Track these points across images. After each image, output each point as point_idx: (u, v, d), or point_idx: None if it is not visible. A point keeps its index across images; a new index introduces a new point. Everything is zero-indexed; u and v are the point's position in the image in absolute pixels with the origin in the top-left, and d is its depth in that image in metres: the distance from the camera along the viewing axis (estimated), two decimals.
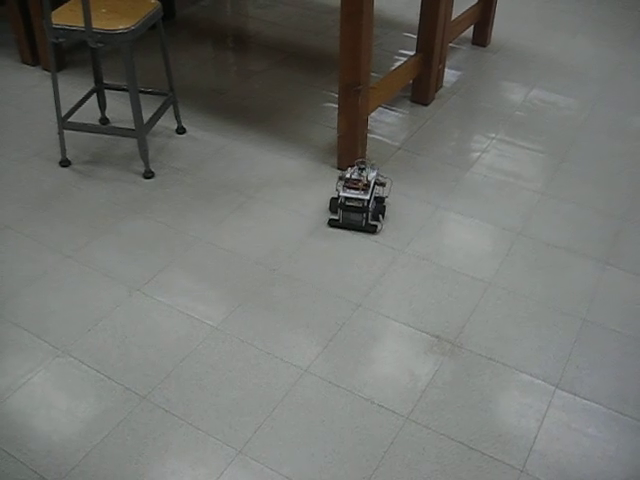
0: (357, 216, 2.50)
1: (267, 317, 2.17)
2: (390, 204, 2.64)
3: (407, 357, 2.05)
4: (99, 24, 2.51)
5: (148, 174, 2.79)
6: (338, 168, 2.84)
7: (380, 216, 2.54)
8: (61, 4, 2.66)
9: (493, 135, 3.10)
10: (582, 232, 2.53)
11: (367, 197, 2.47)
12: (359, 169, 2.55)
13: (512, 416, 1.88)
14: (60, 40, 2.57)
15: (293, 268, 2.36)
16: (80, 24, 2.50)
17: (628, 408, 1.90)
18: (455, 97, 3.39)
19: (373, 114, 3.17)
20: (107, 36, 2.51)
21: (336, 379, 1.98)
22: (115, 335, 2.11)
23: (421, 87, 3.28)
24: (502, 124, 3.18)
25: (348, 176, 2.53)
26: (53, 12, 2.57)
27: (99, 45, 2.55)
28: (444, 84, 3.48)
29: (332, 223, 2.55)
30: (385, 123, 3.17)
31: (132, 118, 2.69)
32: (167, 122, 3.12)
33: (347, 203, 2.48)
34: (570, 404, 1.92)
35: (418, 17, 3.09)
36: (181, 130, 3.09)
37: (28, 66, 3.60)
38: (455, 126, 3.16)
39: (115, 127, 3.03)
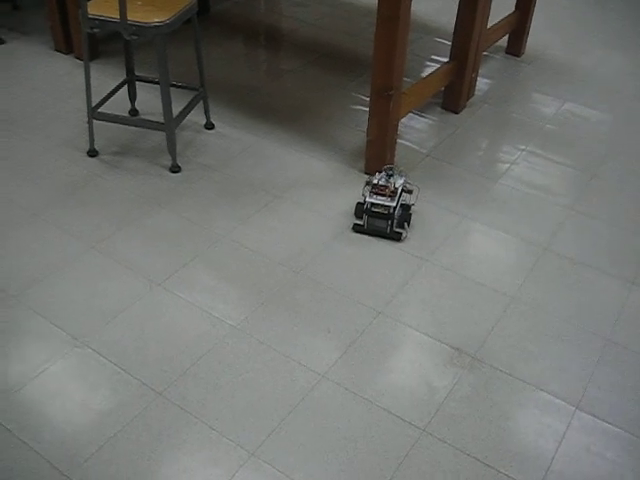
0: (382, 222, 2.48)
1: (287, 319, 2.16)
2: (416, 212, 2.61)
3: (426, 368, 2.03)
4: (134, 16, 2.51)
5: (175, 168, 2.79)
6: (365, 172, 2.82)
7: (405, 224, 2.52)
8: None
9: (523, 147, 3.06)
10: (609, 251, 2.50)
11: (393, 204, 2.45)
12: (387, 175, 2.52)
13: (530, 435, 1.86)
14: (95, 30, 2.58)
15: (316, 271, 2.34)
16: (115, 15, 2.50)
17: None
18: (486, 106, 3.35)
19: (403, 119, 3.15)
20: (142, 29, 2.51)
21: (353, 386, 1.96)
22: (134, 329, 2.11)
23: (453, 94, 3.25)
24: (533, 136, 3.14)
25: (375, 182, 2.51)
26: (89, 2, 2.57)
27: (133, 37, 2.55)
28: (476, 92, 3.45)
29: (356, 228, 2.53)
30: (415, 129, 3.15)
31: (162, 111, 2.69)
32: (196, 117, 3.12)
33: (373, 209, 2.46)
34: (590, 426, 1.88)
35: (452, 23, 3.06)
36: (210, 126, 3.08)
37: (61, 54, 3.61)
38: (485, 136, 3.13)
39: (144, 119, 3.03)
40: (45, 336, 2.07)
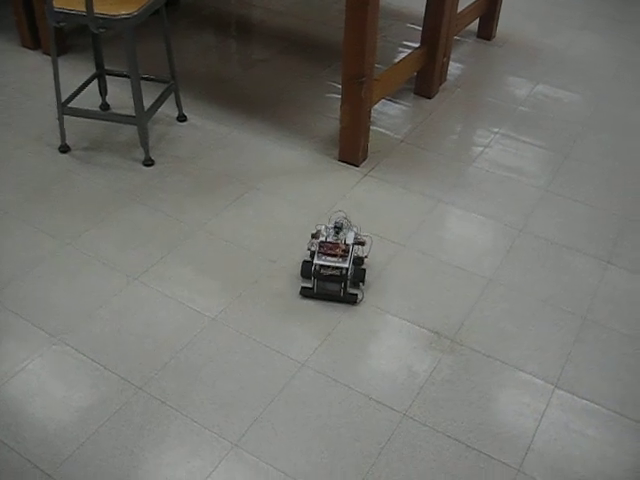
0: (334, 286, 2.15)
1: (266, 309, 2.16)
2: (389, 201, 2.61)
3: (406, 353, 2.03)
4: (101, 8, 2.48)
5: (148, 162, 2.77)
6: (340, 160, 2.81)
7: (360, 284, 2.23)
8: None
9: (497, 130, 3.07)
10: (584, 230, 2.52)
11: (346, 265, 2.12)
12: (335, 229, 2.22)
13: (510, 415, 1.87)
14: (61, 24, 2.54)
15: (293, 260, 2.34)
16: (82, 8, 2.46)
17: (628, 409, 1.89)
18: (459, 91, 3.36)
19: (376, 106, 3.15)
20: (109, 21, 2.48)
21: (334, 373, 1.96)
22: (112, 324, 2.09)
23: (425, 80, 3.26)
24: (506, 119, 3.15)
25: (323, 239, 2.19)
26: None
27: (101, 30, 2.52)
28: (448, 77, 3.45)
29: (305, 292, 2.20)
30: (388, 115, 3.15)
31: (133, 105, 2.67)
32: (168, 109, 3.09)
33: (322, 271, 2.13)
34: (569, 404, 1.90)
35: (423, 8, 3.06)
36: (182, 118, 3.06)
37: (28, 50, 3.56)
38: (458, 120, 3.14)
39: (115, 113, 3.00)
40: (22, 334, 2.05)
